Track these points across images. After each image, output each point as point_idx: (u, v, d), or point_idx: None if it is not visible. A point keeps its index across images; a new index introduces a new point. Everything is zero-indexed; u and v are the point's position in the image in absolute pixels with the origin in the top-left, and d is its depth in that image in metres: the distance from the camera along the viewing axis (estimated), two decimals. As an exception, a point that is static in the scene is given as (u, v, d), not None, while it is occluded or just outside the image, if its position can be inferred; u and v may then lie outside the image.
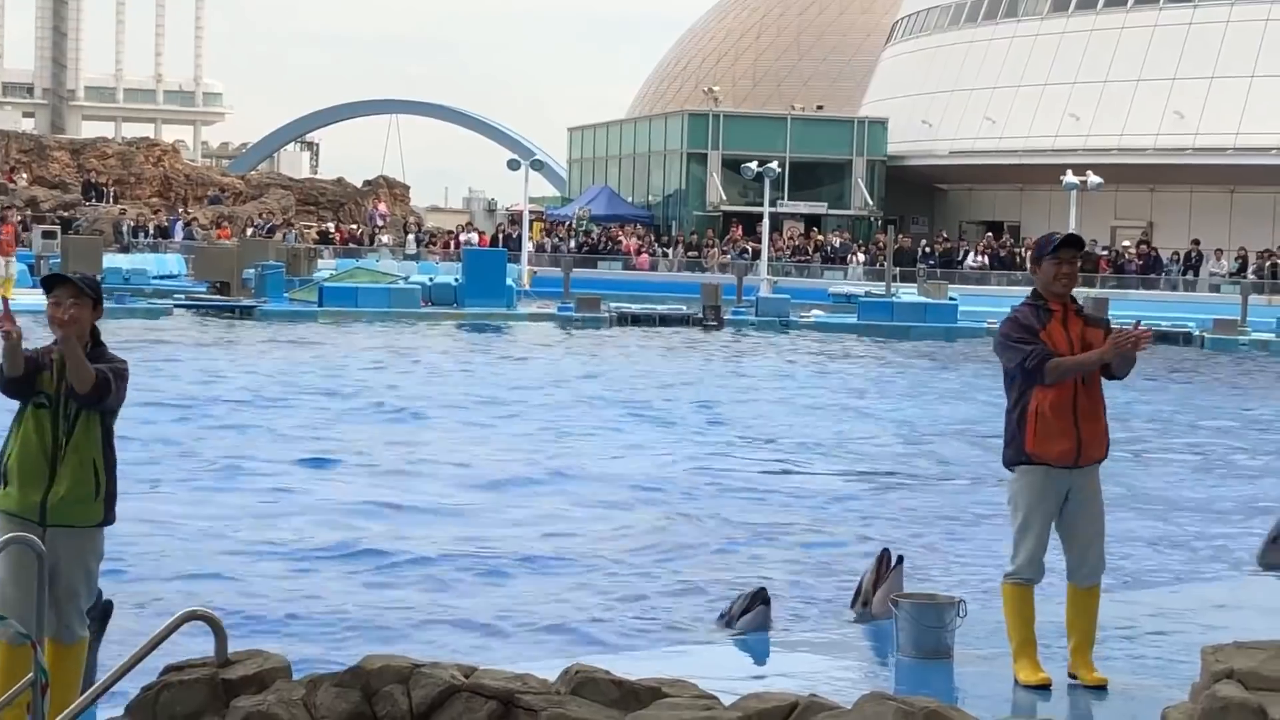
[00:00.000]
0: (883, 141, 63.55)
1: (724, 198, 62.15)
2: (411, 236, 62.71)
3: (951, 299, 42.73)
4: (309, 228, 62.60)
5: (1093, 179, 49.04)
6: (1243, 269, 49.63)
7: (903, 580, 9.21)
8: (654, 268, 57.02)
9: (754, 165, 53.47)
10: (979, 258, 53.99)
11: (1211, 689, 5.24)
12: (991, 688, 7.45)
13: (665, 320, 39.08)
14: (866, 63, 73.29)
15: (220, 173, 76.40)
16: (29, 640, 5.69)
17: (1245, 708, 5.10)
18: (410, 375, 25.60)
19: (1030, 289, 7.63)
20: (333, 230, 62.18)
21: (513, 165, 54.71)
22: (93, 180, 65.62)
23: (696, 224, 61.30)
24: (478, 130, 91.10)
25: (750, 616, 9.10)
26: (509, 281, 42.21)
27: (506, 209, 74.66)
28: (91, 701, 5.87)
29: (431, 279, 44.07)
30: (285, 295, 40.09)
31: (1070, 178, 48.96)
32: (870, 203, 62.94)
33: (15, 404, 6.52)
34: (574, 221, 63.18)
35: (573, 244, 59.26)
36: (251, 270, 41.03)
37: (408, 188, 75.26)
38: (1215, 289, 48.81)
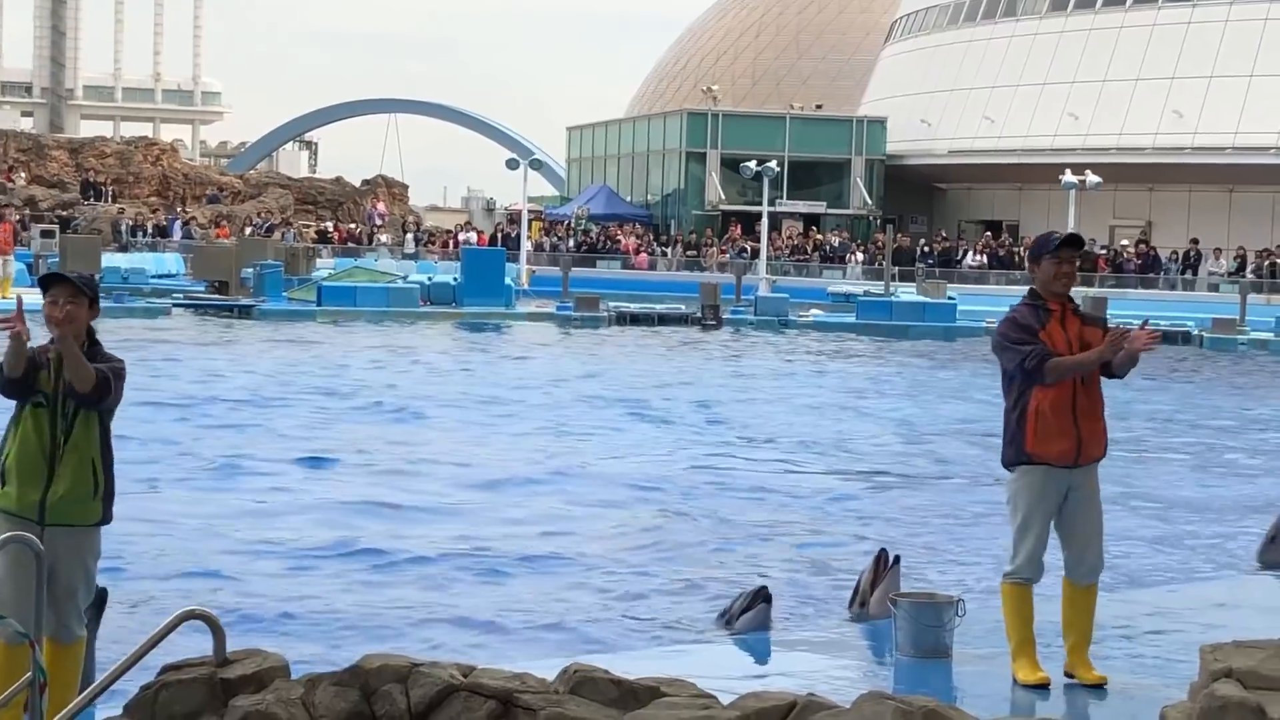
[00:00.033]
0: (881, 141, 63.56)
1: (723, 197, 62.15)
2: (410, 236, 62.71)
3: (950, 298, 42.74)
4: (307, 227, 62.59)
5: (1091, 178, 49.05)
6: (1241, 268, 49.64)
7: (900, 580, 9.21)
8: (653, 267, 57.02)
9: (753, 164, 53.47)
10: (978, 257, 54.00)
11: (1210, 688, 5.24)
12: (990, 687, 7.45)
13: (664, 319, 39.08)
14: (865, 62, 73.29)
15: (219, 172, 76.39)
16: (27, 639, 5.68)
17: (1244, 707, 5.10)
18: (409, 374, 25.60)
19: (1027, 288, 7.63)
20: (331, 229, 62.17)
21: (511, 164, 54.70)
22: (91, 179, 65.60)
23: (695, 223, 61.30)
24: (476, 129, 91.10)
25: (751, 615, 9.09)
26: (508, 281, 42.21)
27: (505, 208, 74.65)
28: (90, 701, 5.87)
29: (430, 278, 44.07)
30: (284, 294, 40.07)
31: (1069, 177, 48.96)
32: (869, 202, 62.94)
33: (11, 403, 6.52)
34: (573, 221, 63.18)
35: (571, 243, 59.26)
36: (250, 269, 41.02)
37: (406, 187, 75.27)
38: (1214, 288, 48.83)
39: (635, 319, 39.03)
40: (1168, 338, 35.59)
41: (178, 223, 60.39)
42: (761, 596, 9.15)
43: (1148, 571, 11.79)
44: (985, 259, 53.59)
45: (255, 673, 5.88)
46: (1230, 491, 16.12)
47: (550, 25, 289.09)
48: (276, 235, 56.80)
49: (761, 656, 8.65)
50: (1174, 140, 53.54)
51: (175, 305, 38.40)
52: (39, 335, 6.48)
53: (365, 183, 72.71)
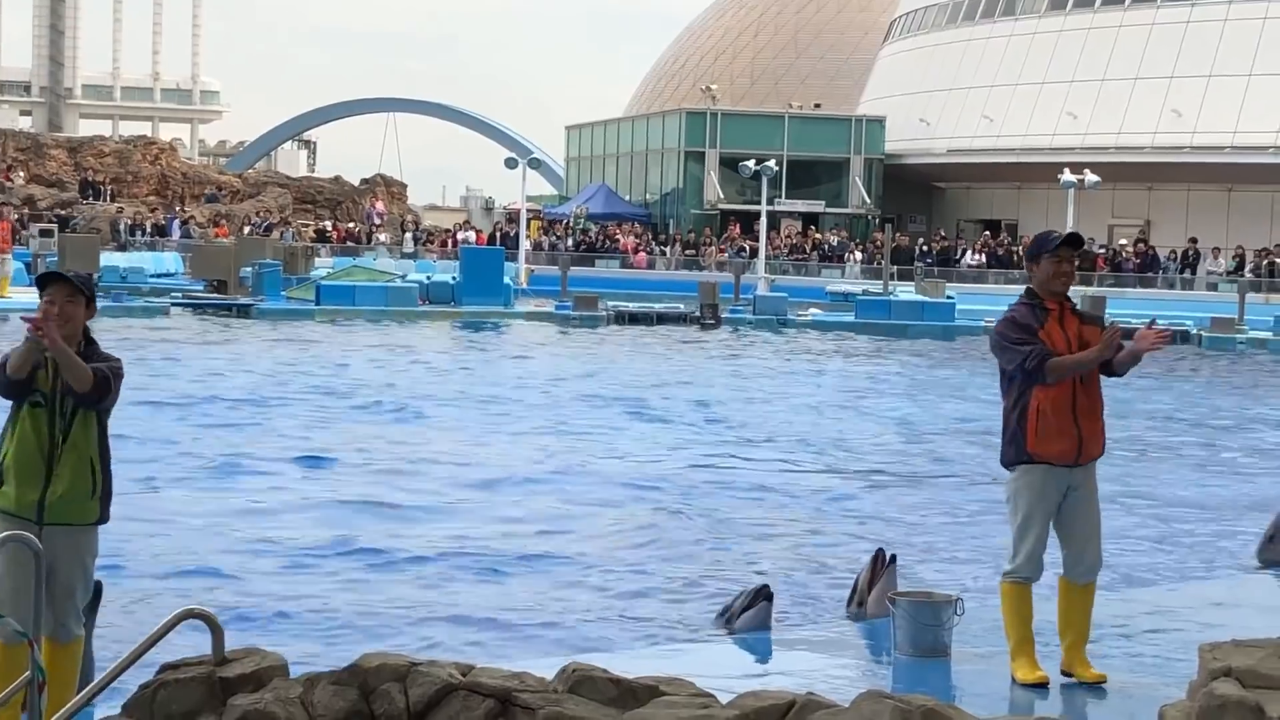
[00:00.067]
0: (880, 140, 63.56)
1: (721, 196, 62.15)
2: (409, 235, 62.69)
3: (949, 297, 42.75)
4: (306, 226, 62.59)
5: (1090, 177, 49.05)
6: (1240, 267, 49.65)
7: (896, 579, 9.20)
8: (651, 266, 57.01)
9: (751, 163, 53.45)
10: (976, 256, 54.02)
11: (1209, 687, 5.24)
12: (989, 686, 7.45)
13: (663, 319, 39.08)
14: (864, 61, 73.29)
15: (217, 171, 76.40)
16: (26, 638, 5.68)
17: (1243, 706, 5.10)
18: (407, 374, 25.59)
19: (1024, 288, 7.61)
20: (330, 228, 62.16)
21: (510, 164, 54.68)
22: (90, 178, 65.60)
23: (694, 222, 61.30)
24: (475, 129, 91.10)
25: (752, 613, 9.07)
26: (506, 280, 42.21)
27: (504, 207, 74.63)
28: (89, 699, 5.87)
29: (429, 277, 44.06)
30: (282, 293, 40.07)
31: (1068, 176, 48.96)
32: (868, 201, 62.94)
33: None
34: (571, 220, 63.17)
35: (570, 242, 59.25)
36: (249, 268, 41.01)
37: (405, 186, 75.28)
38: (1213, 287, 48.85)
39: (634, 318, 39.03)
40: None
41: (176, 222, 60.38)
42: (763, 595, 9.14)
43: (1146, 570, 11.79)
44: (984, 258, 53.60)
45: (254, 672, 5.87)
46: (1229, 490, 16.13)
47: (550, 24, 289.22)
48: (275, 234, 56.79)
49: (760, 655, 8.64)
50: (1173, 139, 53.55)
51: (174, 304, 38.38)
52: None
53: (364, 182, 72.71)
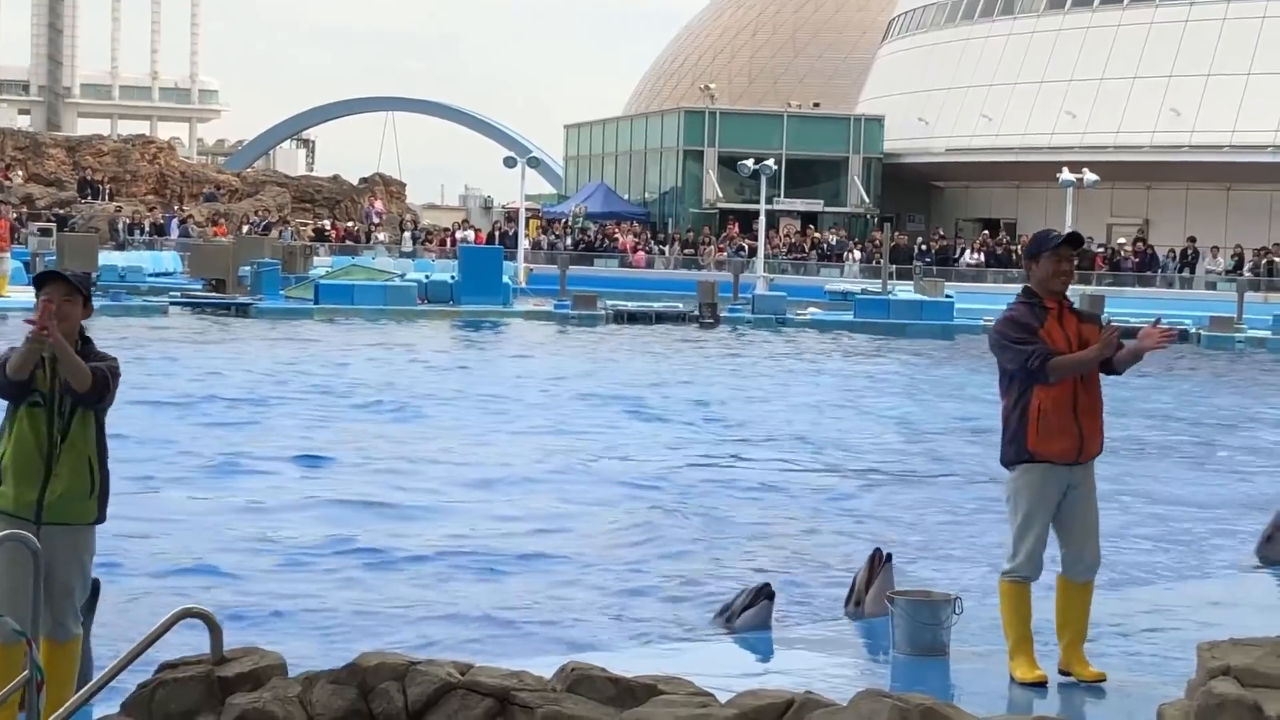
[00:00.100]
0: (879, 139, 63.56)
1: (720, 195, 62.16)
2: (408, 234, 62.67)
3: (948, 296, 42.75)
4: (305, 225, 62.58)
5: (1089, 176, 49.06)
6: (1239, 266, 49.66)
7: (893, 578, 9.19)
8: (650, 265, 57.01)
9: (750, 163, 53.44)
10: (975, 255, 54.03)
11: (1207, 686, 5.24)
12: (987, 684, 7.45)
13: (661, 318, 39.08)
14: (863, 60, 73.29)
15: (216, 170, 76.39)
16: (24, 638, 5.68)
17: (1241, 704, 5.10)
18: (406, 373, 25.58)
19: (1022, 287, 7.60)
20: (329, 227, 62.15)
21: (509, 163, 54.70)
22: (88, 177, 65.59)
23: (693, 221, 61.30)
24: (474, 128, 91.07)
25: (754, 611, 9.06)
26: (505, 279, 42.21)
27: (503, 206, 74.63)
28: (87, 699, 5.87)
29: (428, 276, 44.06)
30: (281, 292, 40.06)
31: (1066, 175, 48.97)
32: (866, 200, 62.95)
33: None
34: (570, 219, 63.18)
35: (569, 241, 59.25)
36: (247, 267, 41.00)
37: (404, 185, 75.29)
38: (1211, 286, 48.87)
39: (633, 317, 39.03)
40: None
41: (175, 221, 60.37)
42: (764, 594, 9.12)
43: (1144, 569, 11.80)
44: (982, 257, 53.61)
45: (252, 671, 5.88)
46: (1227, 489, 16.13)
47: (549, 23, 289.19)
48: (274, 233, 56.78)
49: (759, 655, 8.64)
50: (1171, 138, 53.56)
51: (172, 303, 38.37)
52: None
53: (363, 181, 72.71)
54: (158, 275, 47.92)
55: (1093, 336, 7.40)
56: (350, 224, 64.21)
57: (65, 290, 6.45)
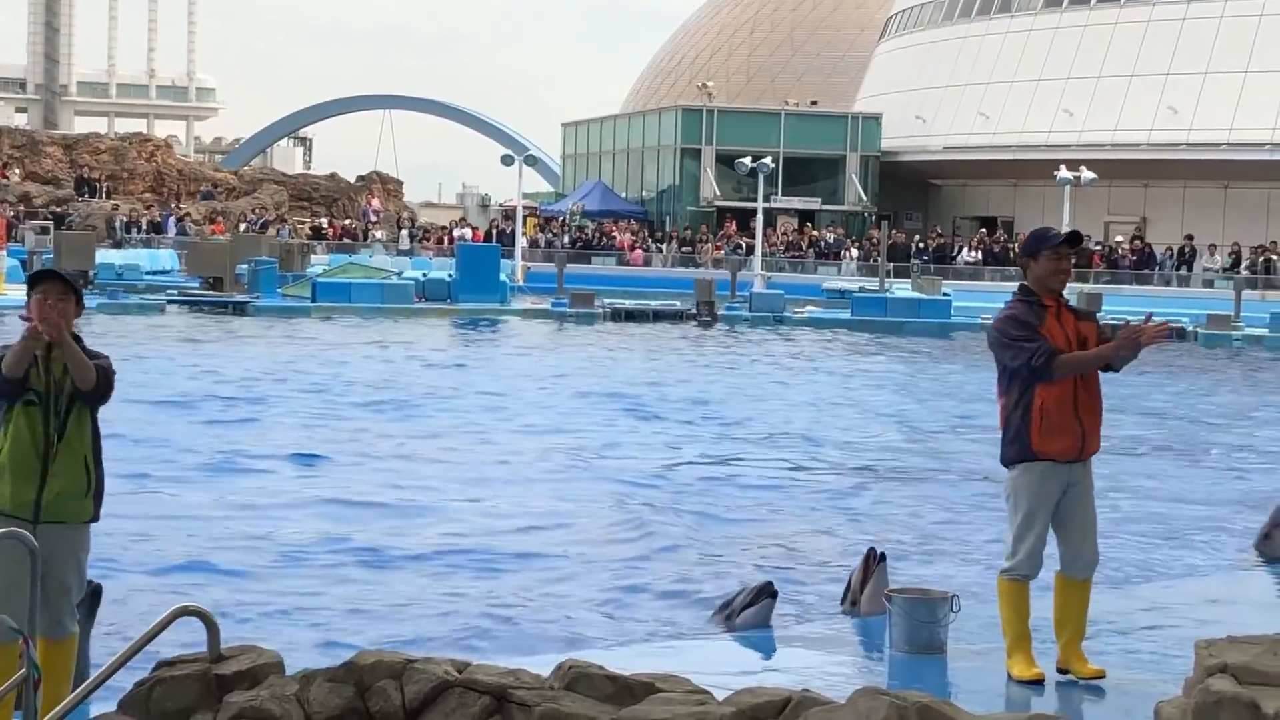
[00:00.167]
0: (876, 137, 63.57)
1: (718, 193, 62.15)
2: (405, 232, 62.69)
3: (945, 294, 42.74)
4: (302, 223, 62.59)
5: (1086, 174, 49.08)
6: (1236, 264, 49.69)
7: (888, 577, 9.19)
8: (648, 263, 57.02)
9: (748, 160, 53.46)
10: (972, 253, 54.04)
11: (1205, 683, 5.24)
12: (984, 682, 7.45)
13: (659, 316, 39.08)
14: (860, 58, 73.30)
15: (213, 168, 76.37)
16: (21, 636, 5.68)
17: (1238, 702, 5.10)
18: (403, 371, 25.58)
19: (1019, 285, 7.59)
20: (326, 226, 62.15)
21: (506, 161, 54.70)
22: (85, 176, 65.57)
23: (690, 219, 61.30)
24: (471, 126, 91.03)
25: (755, 610, 9.04)
26: (502, 277, 42.20)
27: (500, 204, 74.64)
28: (84, 697, 5.86)
29: (425, 274, 44.03)
30: (278, 291, 40.06)
31: (1064, 173, 48.98)
32: (864, 198, 62.96)
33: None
34: (568, 217, 63.17)
35: (566, 239, 59.25)
36: (244, 266, 40.99)
37: (401, 183, 75.29)
38: (1209, 284, 48.89)
39: (630, 315, 39.04)
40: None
41: (172, 219, 60.37)
42: (767, 592, 9.11)
43: (1142, 567, 11.80)
44: (980, 255, 53.62)
45: (250, 669, 5.87)
46: (1225, 487, 16.14)
47: (548, 22, 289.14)
48: (271, 231, 56.78)
49: (757, 652, 8.64)
50: (1169, 136, 53.57)
51: (170, 302, 38.36)
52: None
53: (360, 179, 72.72)
54: (155, 273, 47.93)
55: (1089, 334, 7.40)
56: (347, 222, 64.21)
57: (59, 289, 6.45)
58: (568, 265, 49.77)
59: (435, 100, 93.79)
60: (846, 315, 40.14)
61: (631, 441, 18.34)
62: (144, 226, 59.24)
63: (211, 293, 39.70)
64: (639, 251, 57.69)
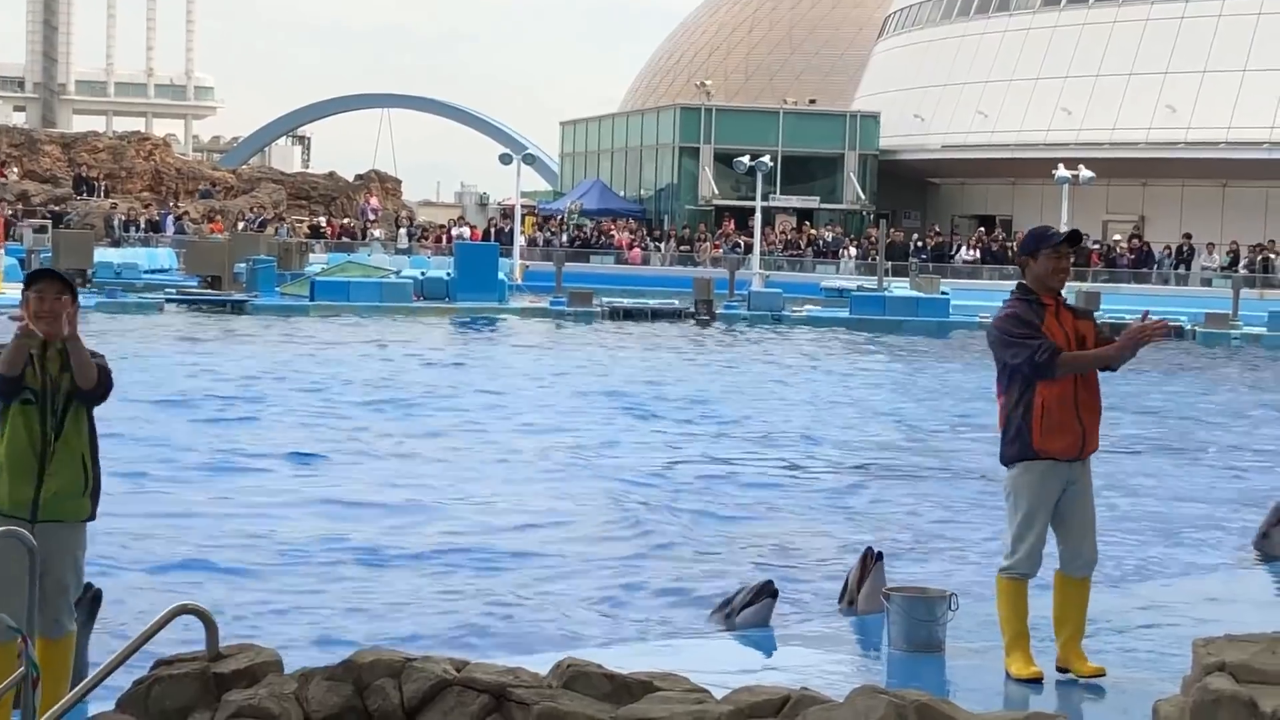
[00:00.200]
0: (875, 136, 63.56)
1: (716, 192, 62.15)
2: (403, 231, 62.68)
3: (943, 293, 42.74)
4: (300, 222, 62.58)
5: (1085, 173, 49.09)
6: (1234, 263, 49.69)
7: (884, 576, 9.19)
8: (646, 262, 57.01)
9: (746, 159, 53.45)
10: (971, 252, 54.04)
11: (1203, 682, 5.24)
12: (983, 681, 7.45)
13: (657, 315, 39.08)
14: (859, 57, 73.30)
15: (211, 167, 76.35)
16: (19, 635, 5.68)
17: (1236, 700, 5.10)
18: (401, 370, 25.58)
19: (1016, 283, 7.60)
20: (324, 224, 62.14)
21: (505, 159, 54.69)
22: (84, 174, 65.55)
23: (688, 218, 61.30)
24: (470, 124, 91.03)
25: (756, 609, 9.04)
26: (501, 276, 42.19)
27: (498, 203, 74.62)
28: (82, 696, 5.86)
29: (423, 273, 44.02)
30: (276, 289, 40.05)
31: (1062, 172, 48.99)
32: (862, 197, 62.96)
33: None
34: (566, 215, 63.16)
35: (565, 238, 59.24)
36: (243, 264, 40.98)
37: (399, 182, 75.25)
38: (1207, 283, 48.88)
39: (628, 314, 39.03)
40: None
41: (170, 218, 60.34)
42: (767, 591, 9.10)
43: (1140, 565, 11.80)
44: (978, 254, 53.63)
45: (248, 667, 5.87)
46: (1223, 485, 16.14)
47: (547, 20, 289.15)
48: (269, 230, 56.75)
49: (755, 651, 8.64)
50: (1167, 135, 53.58)
51: (168, 300, 38.33)
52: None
53: (358, 178, 72.69)
54: (153, 272, 47.90)
55: (1088, 332, 7.41)
56: (346, 221, 64.19)
57: (56, 288, 6.45)
58: (566, 264, 49.74)
59: (433, 99, 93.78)
60: (845, 314, 40.14)
61: (630, 440, 18.34)
62: (142, 225, 59.23)
63: (210, 291, 39.68)
64: (637, 250, 57.69)
